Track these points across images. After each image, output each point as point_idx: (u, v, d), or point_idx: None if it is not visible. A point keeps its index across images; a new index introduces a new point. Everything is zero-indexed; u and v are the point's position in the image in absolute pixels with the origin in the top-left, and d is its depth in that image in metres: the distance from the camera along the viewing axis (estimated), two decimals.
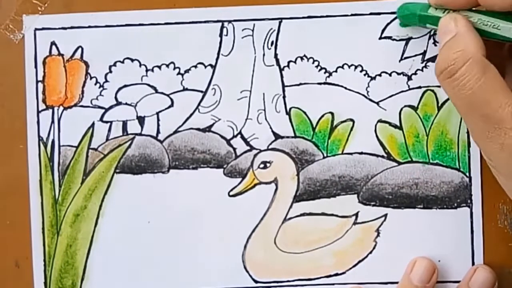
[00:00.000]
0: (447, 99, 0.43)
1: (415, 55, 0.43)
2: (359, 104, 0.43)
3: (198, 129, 0.44)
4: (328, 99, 0.43)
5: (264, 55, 0.44)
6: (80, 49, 0.44)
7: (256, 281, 0.44)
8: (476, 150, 0.43)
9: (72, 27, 0.44)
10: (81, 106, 0.44)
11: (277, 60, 0.44)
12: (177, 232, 0.44)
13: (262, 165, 0.44)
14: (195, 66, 0.44)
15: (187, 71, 0.44)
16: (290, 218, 0.44)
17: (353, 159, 0.44)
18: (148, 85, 0.44)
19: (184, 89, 0.44)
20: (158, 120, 0.44)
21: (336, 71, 0.43)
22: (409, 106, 0.43)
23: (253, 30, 0.43)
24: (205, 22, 0.44)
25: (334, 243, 0.44)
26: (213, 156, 0.44)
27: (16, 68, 0.44)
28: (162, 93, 0.44)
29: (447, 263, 0.43)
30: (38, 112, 0.44)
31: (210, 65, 0.44)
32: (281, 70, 0.44)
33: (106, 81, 0.44)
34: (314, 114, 0.44)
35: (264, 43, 0.44)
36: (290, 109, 0.44)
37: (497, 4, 0.37)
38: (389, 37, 0.43)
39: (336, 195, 0.44)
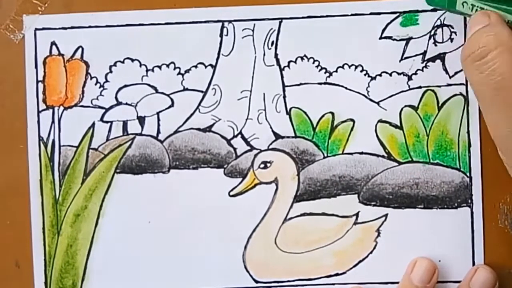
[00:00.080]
0: (448, 99, 0.43)
1: (416, 55, 0.43)
2: (359, 104, 0.43)
3: (198, 129, 0.44)
4: (328, 99, 0.43)
5: (264, 55, 0.44)
6: (80, 49, 0.44)
7: (256, 281, 0.44)
8: (477, 150, 0.43)
9: (72, 27, 0.44)
10: (82, 106, 0.44)
11: (278, 60, 0.44)
12: (178, 232, 0.44)
13: (262, 165, 0.44)
14: (196, 66, 0.44)
15: (187, 71, 0.44)
16: (290, 218, 0.44)
17: (354, 159, 0.44)
18: (149, 85, 0.44)
19: (185, 89, 0.44)
20: (159, 120, 0.44)
21: (336, 71, 0.43)
22: (410, 106, 0.43)
23: (253, 30, 0.43)
24: (205, 22, 0.44)
25: (335, 243, 0.44)
26: (213, 156, 0.44)
27: (16, 68, 0.44)
28: (162, 93, 0.44)
29: (448, 263, 0.43)
30: (39, 112, 0.44)
31: (211, 65, 0.44)
32: (281, 70, 0.44)
33: (107, 81, 0.44)
34: (315, 114, 0.44)
35: (264, 43, 0.43)
36: (291, 109, 0.44)
37: None
38: (389, 37, 0.43)
39: (336, 195, 0.44)
